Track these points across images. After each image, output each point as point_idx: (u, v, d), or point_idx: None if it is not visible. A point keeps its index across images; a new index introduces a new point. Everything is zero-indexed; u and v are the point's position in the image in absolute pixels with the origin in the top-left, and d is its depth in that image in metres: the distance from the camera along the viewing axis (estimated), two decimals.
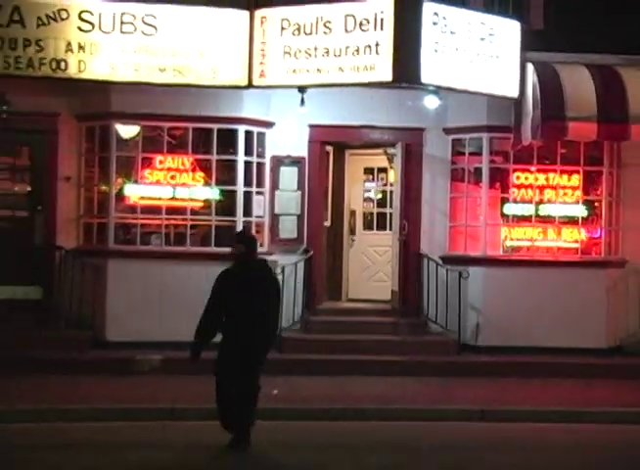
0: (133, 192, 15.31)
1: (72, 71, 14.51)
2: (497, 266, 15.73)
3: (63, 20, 14.54)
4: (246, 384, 9.48)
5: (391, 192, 16.97)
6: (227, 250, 13.85)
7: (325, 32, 14.35)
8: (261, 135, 15.71)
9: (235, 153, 15.44)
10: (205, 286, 11.99)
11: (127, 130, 15.52)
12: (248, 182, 15.48)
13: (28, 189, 16.16)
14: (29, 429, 10.81)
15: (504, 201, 15.81)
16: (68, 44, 14.44)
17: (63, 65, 14.53)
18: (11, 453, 9.38)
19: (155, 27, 14.90)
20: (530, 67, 15.08)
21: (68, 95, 15.33)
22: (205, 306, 9.38)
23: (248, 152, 15.49)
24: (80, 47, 14.54)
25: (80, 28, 14.58)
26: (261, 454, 9.82)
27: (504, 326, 15.34)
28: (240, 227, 15.16)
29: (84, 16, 14.60)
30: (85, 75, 14.59)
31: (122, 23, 14.75)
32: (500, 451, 10.26)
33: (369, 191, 18.24)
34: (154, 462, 9.14)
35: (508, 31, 15.10)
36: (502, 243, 15.87)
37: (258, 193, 15.68)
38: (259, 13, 14.61)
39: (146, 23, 14.91)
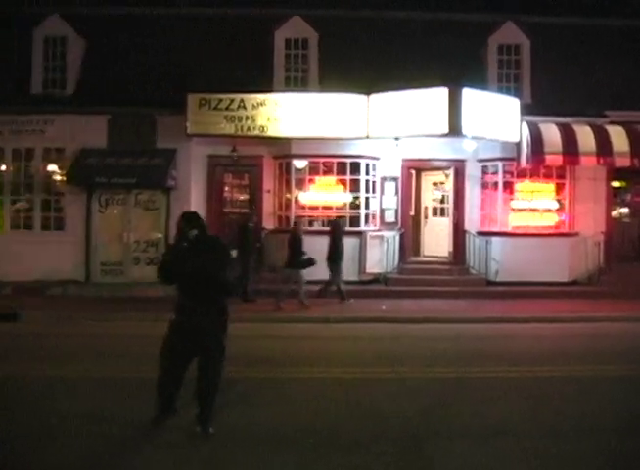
0: (304, 198, 17.89)
1: (270, 133, 17.14)
2: (507, 237, 17.65)
3: (265, 105, 17.09)
4: None
5: (447, 195, 19.06)
6: (358, 228, 17.38)
7: (410, 105, 16.35)
8: (374, 164, 18.02)
9: (360, 174, 17.76)
10: (346, 247, 15.87)
11: (300, 163, 17.87)
12: (367, 190, 17.84)
13: (248, 197, 18.74)
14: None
15: (511, 199, 17.94)
16: (268, 118, 17.06)
17: (265, 129, 17.08)
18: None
19: (314, 106, 17.09)
20: (524, 124, 17.17)
21: (268, 145, 17.89)
22: None
23: (367, 173, 17.85)
24: (274, 119, 17.04)
25: (275, 109, 17.05)
26: (366, 344, 11.54)
27: (511, 270, 17.30)
28: (363, 217, 17.70)
29: (277, 102, 17.12)
30: (277, 135, 17.21)
31: (297, 105, 17.14)
32: (508, 338, 12.03)
33: (435, 194, 19.59)
34: None
35: (511, 104, 17.20)
36: (510, 223, 17.88)
37: (373, 197, 17.99)
38: (372, 97, 16.92)
39: (308, 104, 17.16)
